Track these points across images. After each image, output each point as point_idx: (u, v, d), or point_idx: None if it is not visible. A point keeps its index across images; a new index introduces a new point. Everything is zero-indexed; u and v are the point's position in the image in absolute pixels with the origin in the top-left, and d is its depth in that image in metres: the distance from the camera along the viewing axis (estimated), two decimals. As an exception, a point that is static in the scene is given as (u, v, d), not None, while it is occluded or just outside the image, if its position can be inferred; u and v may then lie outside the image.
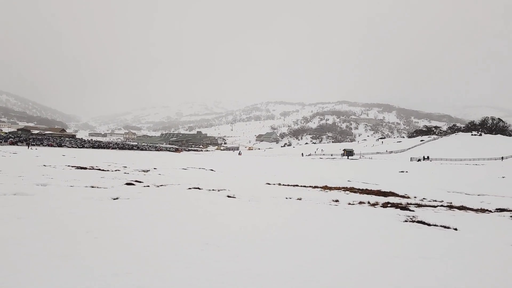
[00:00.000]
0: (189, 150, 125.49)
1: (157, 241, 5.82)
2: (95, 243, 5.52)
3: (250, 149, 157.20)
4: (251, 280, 4.37)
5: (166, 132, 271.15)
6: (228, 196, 12.81)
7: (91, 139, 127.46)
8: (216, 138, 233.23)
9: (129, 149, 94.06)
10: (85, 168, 21.12)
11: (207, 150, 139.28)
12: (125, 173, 20.41)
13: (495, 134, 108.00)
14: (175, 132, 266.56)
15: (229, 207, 10.30)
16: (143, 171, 22.76)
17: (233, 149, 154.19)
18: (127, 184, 14.55)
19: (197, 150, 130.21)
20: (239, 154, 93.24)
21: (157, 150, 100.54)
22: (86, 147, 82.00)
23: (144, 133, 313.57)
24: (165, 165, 30.11)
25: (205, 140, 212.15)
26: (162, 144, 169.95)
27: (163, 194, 12.31)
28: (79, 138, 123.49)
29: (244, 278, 4.42)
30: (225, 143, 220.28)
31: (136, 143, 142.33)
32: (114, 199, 10.24)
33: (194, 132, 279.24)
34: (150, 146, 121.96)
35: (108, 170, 21.19)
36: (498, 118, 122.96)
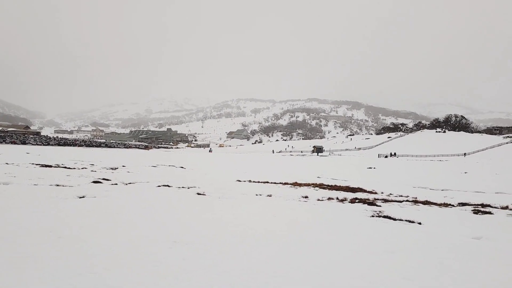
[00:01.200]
0: (159, 148, 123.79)
1: (124, 240, 5.74)
2: (59, 243, 5.39)
3: (221, 146, 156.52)
4: (218, 276, 4.37)
5: (135, 129, 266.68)
6: (198, 194, 12.74)
7: (57, 136, 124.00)
8: (186, 135, 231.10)
9: (96, 146, 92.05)
10: (50, 166, 20.52)
11: (177, 148, 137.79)
12: (92, 171, 19.95)
13: (458, 131, 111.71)
14: (144, 129, 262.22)
15: (199, 204, 10.25)
16: (111, 169, 22.30)
17: (203, 146, 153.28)
18: (94, 182, 14.24)
19: (167, 148, 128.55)
20: (210, 151, 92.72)
21: (126, 148, 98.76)
22: (52, 145, 79.70)
23: (113, 130, 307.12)
24: (134, 163, 29.63)
25: (175, 137, 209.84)
26: (131, 141, 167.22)
27: (132, 192, 12.12)
28: (44, 136, 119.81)
29: (212, 275, 4.41)
30: (195, 140, 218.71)
31: (104, 141, 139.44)
32: (80, 197, 10.01)
33: (164, 129, 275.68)
34: (118, 143, 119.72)
35: (74, 168, 20.65)
36: (461, 116, 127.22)
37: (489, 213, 11.11)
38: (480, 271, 5.11)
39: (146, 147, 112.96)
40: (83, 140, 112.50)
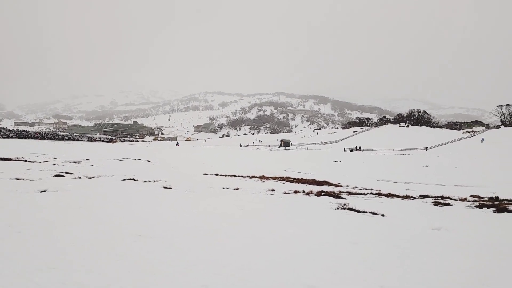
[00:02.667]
0: (124, 141, 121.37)
1: (87, 234, 5.61)
2: (19, 237, 5.21)
3: (188, 139, 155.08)
4: (184, 269, 4.34)
5: (100, 122, 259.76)
6: (164, 187, 12.59)
7: (17, 129, 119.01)
8: (153, 129, 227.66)
9: (59, 139, 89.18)
10: (10, 160, 19.74)
11: (144, 141, 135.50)
12: (54, 164, 19.33)
13: (420, 125, 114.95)
14: (109, 122, 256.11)
15: (165, 198, 10.14)
16: (75, 162, 21.68)
17: (170, 139, 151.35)
18: (57, 176, 13.81)
19: (133, 141, 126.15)
20: (177, 144, 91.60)
21: (90, 141, 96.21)
22: (11, 137, 76.52)
23: (76, 123, 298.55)
24: (98, 156, 28.89)
25: (142, 131, 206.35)
26: (96, 134, 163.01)
27: (96, 186, 11.85)
28: (2, 128, 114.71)
29: (177, 268, 4.38)
30: (162, 134, 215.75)
31: (68, 133, 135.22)
32: (42, 191, 9.70)
33: (130, 122, 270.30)
34: (82, 136, 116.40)
35: (35, 162, 19.95)
36: (424, 111, 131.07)
37: (449, 205, 11.51)
38: (439, 260, 5.30)
39: (111, 140, 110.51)
40: (45, 133, 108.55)
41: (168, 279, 4.01)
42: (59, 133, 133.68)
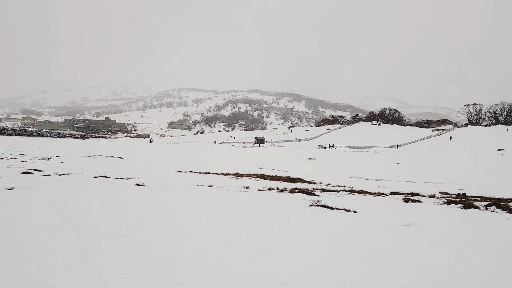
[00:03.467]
0: (96, 137, 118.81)
1: (57, 233, 5.48)
2: (-16, 237, 5.04)
3: (162, 136, 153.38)
4: (157, 268, 4.29)
5: (71, 117, 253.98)
6: (137, 185, 12.43)
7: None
8: (126, 125, 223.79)
9: (27, 135, 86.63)
10: (-26, 157, 19.07)
11: (116, 137, 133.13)
12: (22, 161, 18.79)
13: (392, 123, 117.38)
14: (80, 118, 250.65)
15: (138, 195, 10.01)
16: (44, 159, 21.11)
17: (144, 136, 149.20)
18: (25, 173, 13.43)
19: (105, 137, 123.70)
20: (150, 141, 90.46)
21: (60, 137, 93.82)
22: (-24, 134, 73.91)
23: (46, 119, 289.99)
24: (69, 153, 28.21)
25: (114, 127, 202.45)
26: (66, 130, 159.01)
27: (66, 183, 11.59)
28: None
29: (151, 267, 4.33)
30: (135, 130, 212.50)
31: (36, 129, 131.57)
32: (9, 189, 9.43)
33: (101, 118, 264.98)
34: (52, 132, 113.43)
35: (2, 158, 19.36)
36: (395, 109, 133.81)
37: (418, 201, 11.82)
38: (408, 256, 5.43)
39: (82, 137, 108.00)
40: (12, 129, 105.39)
41: (141, 278, 3.97)
42: (27, 129, 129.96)
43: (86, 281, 3.81)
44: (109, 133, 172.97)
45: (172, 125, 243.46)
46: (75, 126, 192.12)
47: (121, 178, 14.15)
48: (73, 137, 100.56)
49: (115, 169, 18.21)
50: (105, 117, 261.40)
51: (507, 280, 4.55)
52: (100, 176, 14.06)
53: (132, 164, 22.95)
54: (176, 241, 5.50)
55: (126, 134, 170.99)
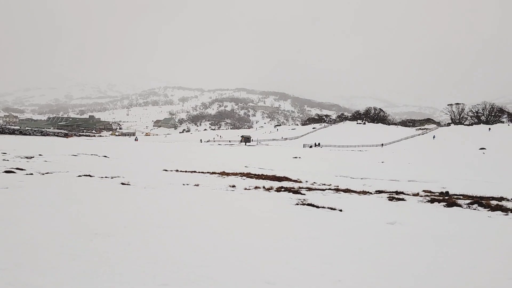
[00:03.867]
0: (80, 136, 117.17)
1: (40, 233, 5.40)
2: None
3: (147, 134, 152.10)
4: (142, 268, 4.26)
5: (54, 116, 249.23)
6: (122, 184, 12.32)
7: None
8: (110, 123, 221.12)
9: (9, 133, 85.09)
10: (-46, 155, 18.67)
11: (101, 136, 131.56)
12: (4, 160, 18.47)
13: (376, 123, 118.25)
14: (64, 116, 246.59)
15: (122, 194, 9.93)
16: (26, 157, 20.78)
17: (129, 134, 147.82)
18: (7, 172, 13.22)
19: (89, 136, 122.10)
20: (136, 140, 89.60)
21: (44, 135, 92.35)
22: (-44, 132, 72.30)
23: (28, 117, 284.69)
24: (52, 151, 27.79)
25: (99, 125, 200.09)
26: (50, 128, 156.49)
27: (49, 182, 11.43)
28: None
29: (136, 266, 4.30)
30: (120, 129, 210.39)
31: (19, 127, 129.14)
32: (-10, 189, 9.25)
33: (86, 116, 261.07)
34: (35, 130, 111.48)
35: (-17, 157, 18.99)
36: (380, 109, 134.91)
37: (402, 199, 11.97)
38: (393, 254, 5.50)
39: (66, 135, 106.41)
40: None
41: (127, 278, 3.94)
42: (9, 127, 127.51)
43: (71, 282, 3.76)
44: (94, 131, 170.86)
45: (157, 123, 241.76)
46: (59, 124, 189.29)
47: (105, 177, 14.02)
48: (57, 136, 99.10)
49: (99, 168, 18.03)
50: (90, 115, 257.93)
51: (488, 276, 4.65)
52: (85, 175, 13.90)
53: (117, 163, 22.73)
54: (163, 240, 5.48)
55: (111, 132, 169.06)
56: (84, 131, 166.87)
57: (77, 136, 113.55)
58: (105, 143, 58.43)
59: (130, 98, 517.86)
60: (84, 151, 30.26)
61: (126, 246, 5.04)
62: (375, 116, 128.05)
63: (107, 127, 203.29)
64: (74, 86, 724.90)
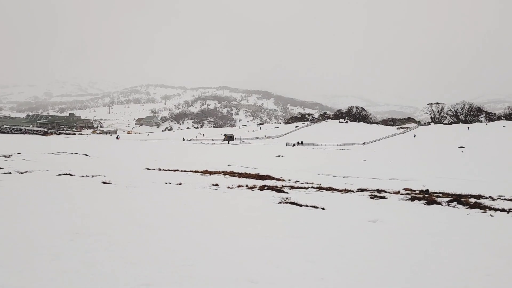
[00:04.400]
0: (60, 134, 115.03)
1: (18, 233, 5.29)
2: None
3: (129, 133, 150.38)
4: (124, 269, 4.21)
5: (33, 113, 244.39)
6: (104, 182, 12.16)
7: None
8: (91, 121, 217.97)
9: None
10: None
11: (81, 134, 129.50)
12: (-20, 159, 18.04)
13: (358, 121, 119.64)
14: (44, 114, 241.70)
15: (104, 193, 9.80)
16: (4, 156, 20.31)
17: (110, 132, 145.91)
18: (-17, 171, 12.90)
19: (69, 134, 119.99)
20: (117, 138, 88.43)
21: (22, 133, 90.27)
22: None
23: (6, 114, 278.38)
24: (31, 150, 27.21)
25: (79, 123, 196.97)
26: (29, 126, 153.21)
27: (28, 181, 11.20)
28: None
29: (118, 267, 4.24)
30: (101, 127, 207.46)
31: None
32: (-34, 188, 9.02)
33: (66, 114, 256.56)
34: (13, 128, 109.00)
35: (-42, 156, 18.50)
36: (361, 107, 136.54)
37: (384, 197, 12.12)
38: (375, 252, 5.57)
39: (45, 133, 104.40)
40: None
41: (109, 278, 3.89)
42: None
43: (50, 282, 3.70)
44: (74, 129, 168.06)
45: (139, 121, 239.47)
46: (38, 122, 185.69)
47: (86, 176, 13.81)
48: (36, 134, 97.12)
49: (80, 166, 17.74)
50: (70, 113, 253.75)
51: (467, 271, 4.74)
52: (65, 174, 13.66)
53: (98, 162, 22.42)
54: (145, 239, 5.42)
55: (91, 130, 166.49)
56: (65, 129, 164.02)
57: (57, 134, 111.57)
58: (86, 141, 57.56)
59: (112, 96, 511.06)
60: (64, 150, 29.74)
61: (107, 246, 4.97)
62: (357, 115, 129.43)
63: (88, 125, 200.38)
64: (54, 83, 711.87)
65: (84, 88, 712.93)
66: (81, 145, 40.87)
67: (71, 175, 13.64)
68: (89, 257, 4.49)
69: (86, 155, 26.93)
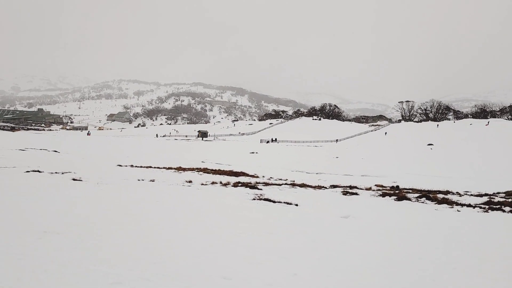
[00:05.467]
0: (28, 129, 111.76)
1: (-17, 232, 5.11)
2: None
3: (100, 129, 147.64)
4: (94, 267, 4.12)
5: (0, 108, 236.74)
6: (74, 179, 11.90)
7: None
8: (61, 117, 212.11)
9: (-51, 127, 79.88)
10: None
11: (51, 130, 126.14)
12: None
13: (332, 119, 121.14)
14: (10, 109, 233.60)
15: (74, 191, 9.58)
16: (-32, 153, 19.62)
17: (81, 128, 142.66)
18: None
19: (38, 130, 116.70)
20: (88, 134, 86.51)
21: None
22: None
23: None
24: (-3, 146, 26.39)
25: (48, 119, 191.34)
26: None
27: (-6, 178, 10.84)
28: None
29: (88, 265, 4.15)
30: (71, 123, 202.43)
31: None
32: None
33: (34, 109, 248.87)
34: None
35: None
36: (334, 105, 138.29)
37: (356, 194, 12.34)
38: (347, 247, 5.66)
39: (12, 129, 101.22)
40: None
41: (78, 277, 3.80)
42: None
43: (16, 283, 3.59)
44: (43, 125, 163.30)
45: (111, 117, 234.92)
46: (5, 117, 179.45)
47: (56, 172, 13.48)
48: (2, 129, 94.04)
49: (49, 163, 17.30)
50: (39, 108, 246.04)
51: (433, 264, 4.88)
52: (33, 171, 13.29)
53: (68, 158, 21.91)
54: (116, 237, 5.33)
55: (61, 126, 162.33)
56: (33, 124, 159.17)
57: (25, 130, 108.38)
58: (56, 137, 56.07)
59: (82, 91, 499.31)
60: (33, 146, 28.91)
61: (77, 244, 4.86)
62: (330, 112, 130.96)
63: (58, 120, 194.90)
64: (22, 78, 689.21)
65: (54, 83, 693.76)
66: (50, 141, 39.80)
67: (39, 171, 13.28)
68: (58, 256, 4.37)
69: (55, 151, 26.26)
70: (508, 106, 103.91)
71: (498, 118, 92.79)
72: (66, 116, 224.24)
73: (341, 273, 4.46)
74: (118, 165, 19.14)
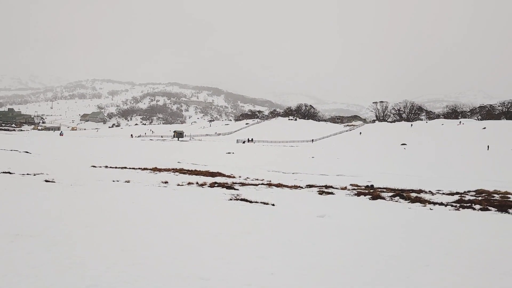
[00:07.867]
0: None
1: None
2: None
3: (73, 129, 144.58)
4: (69, 269, 4.05)
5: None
6: (46, 181, 11.62)
7: None
8: (32, 117, 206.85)
9: None
10: None
11: (21, 130, 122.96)
12: None
13: (307, 119, 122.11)
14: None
15: (46, 193, 9.36)
16: None
17: (53, 129, 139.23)
18: None
19: (8, 130, 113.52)
20: (61, 134, 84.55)
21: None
22: None
23: None
24: (-36, 147, 25.52)
25: (19, 119, 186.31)
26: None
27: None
28: None
29: (62, 268, 4.08)
30: (43, 123, 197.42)
31: None
32: None
33: (4, 109, 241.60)
34: None
35: None
36: (310, 105, 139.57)
37: (331, 193, 12.48)
38: (322, 246, 5.73)
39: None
40: None
41: (53, 281, 3.72)
42: None
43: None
44: (14, 125, 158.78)
45: (85, 117, 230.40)
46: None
47: (27, 174, 13.13)
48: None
49: (20, 164, 16.82)
50: (9, 108, 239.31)
51: (407, 261, 4.99)
52: (3, 172, 12.91)
53: (40, 159, 21.36)
54: (91, 240, 5.25)
55: (33, 126, 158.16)
56: (3, 125, 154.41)
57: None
58: (27, 138, 54.61)
59: (55, 91, 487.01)
60: (3, 147, 28.07)
61: (51, 247, 4.76)
62: (306, 113, 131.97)
63: (29, 121, 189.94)
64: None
65: (25, 82, 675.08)
66: (21, 142, 38.76)
67: (10, 173, 12.92)
68: (32, 259, 4.28)
69: (26, 152, 25.55)
70: (478, 107, 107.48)
71: (468, 118, 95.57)
72: (37, 116, 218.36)
73: (316, 272, 4.50)
74: (92, 166, 18.80)
